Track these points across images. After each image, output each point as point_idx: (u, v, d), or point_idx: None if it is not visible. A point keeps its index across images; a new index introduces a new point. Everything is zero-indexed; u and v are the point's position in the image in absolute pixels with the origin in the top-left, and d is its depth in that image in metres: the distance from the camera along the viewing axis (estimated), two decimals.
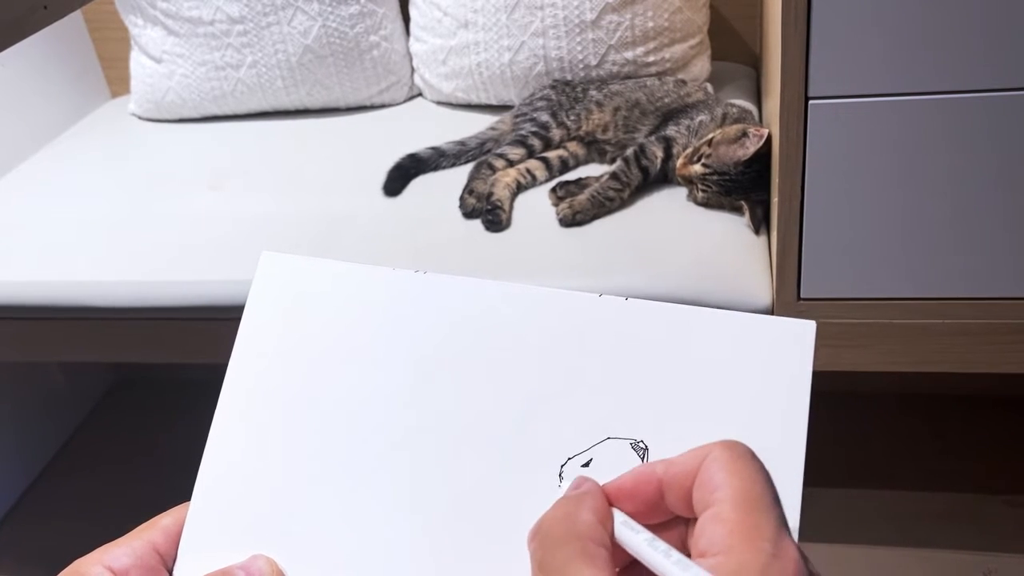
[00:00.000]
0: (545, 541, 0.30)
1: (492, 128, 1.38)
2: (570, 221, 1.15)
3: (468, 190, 1.23)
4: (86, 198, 1.37)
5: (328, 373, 0.40)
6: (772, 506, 0.29)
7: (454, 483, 0.37)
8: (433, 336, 0.39)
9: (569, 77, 1.38)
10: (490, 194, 1.19)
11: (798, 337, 0.36)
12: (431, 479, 0.37)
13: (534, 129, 1.30)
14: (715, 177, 1.12)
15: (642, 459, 0.36)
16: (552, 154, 1.29)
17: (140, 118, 1.63)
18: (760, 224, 1.11)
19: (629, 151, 1.20)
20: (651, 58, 1.36)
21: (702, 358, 0.37)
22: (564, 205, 1.16)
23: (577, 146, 1.31)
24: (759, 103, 1.38)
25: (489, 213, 1.17)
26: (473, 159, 1.32)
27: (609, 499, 0.32)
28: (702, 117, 1.23)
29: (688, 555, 0.29)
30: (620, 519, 0.31)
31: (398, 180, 1.28)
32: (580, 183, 1.21)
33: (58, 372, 1.72)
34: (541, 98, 1.34)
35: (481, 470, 0.37)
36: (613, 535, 0.31)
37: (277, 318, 0.41)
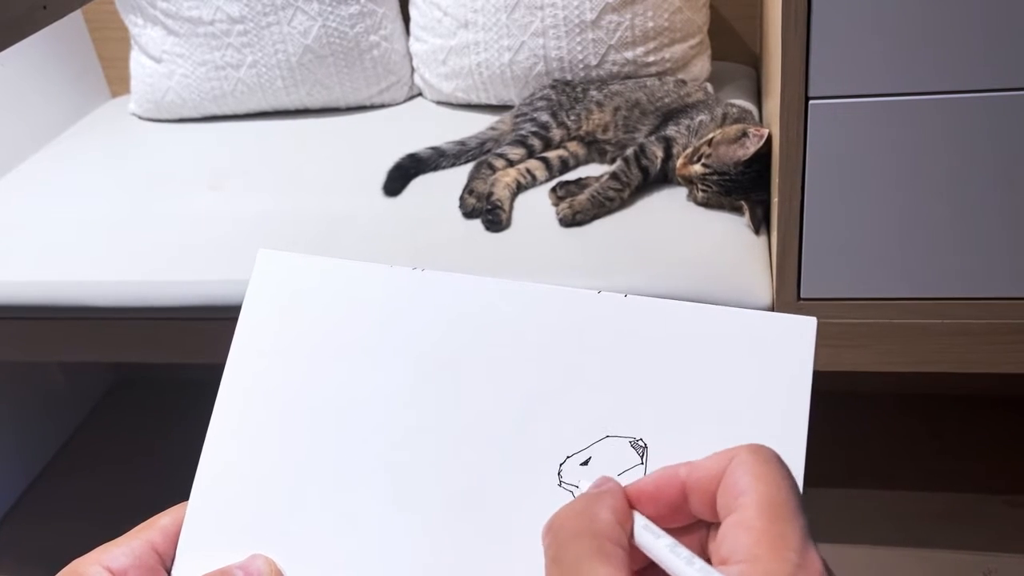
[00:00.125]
0: (559, 535, 0.30)
1: (492, 128, 1.38)
2: (570, 221, 1.15)
3: (468, 190, 1.23)
4: (86, 198, 1.37)
5: (326, 371, 0.40)
6: (797, 514, 0.28)
7: (452, 481, 0.37)
8: (431, 333, 0.39)
9: (569, 77, 1.38)
10: (490, 194, 1.19)
11: (799, 333, 0.36)
12: (429, 477, 0.37)
13: (534, 129, 1.30)
14: (715, 177, 1.12)
15: (641, 457, 0.36)
16: (552, 154, 1.29)
17: (140, 118, 1.63)
18: (760, 224, 1.11)
19: (629, 151, 1.20)
20: (651, 58, 1.36)
21: (702, 355, 0.37)
22: (564, 205, 1.16)
23: (577, 146, 1.31)
24: (759, 103, 1.38)
25: (489, 213, 1.17)
26: (473, 159, 1.32)
27: (631, 501, 0.31)
28: (702, 117, 1.23)
29: (708, 559, 0.29)
30: (641, 522, 0.30)
31: (398, 180, 1.28)
32: (580, 183, 1.21)
33: (58, 372, 1.72)
34: (541, 98, 1.34)
35: (479, 468, 0.37)
36: (632, 537, 0.30)
37: (275, 316, 0.41)
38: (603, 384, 0.37)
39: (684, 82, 1.35)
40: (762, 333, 0.36)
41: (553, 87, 1.36)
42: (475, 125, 1.40)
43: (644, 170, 1.19)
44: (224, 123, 1.57)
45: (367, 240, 1.18)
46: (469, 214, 1.20)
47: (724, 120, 1.21)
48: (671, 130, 1.23)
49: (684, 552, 0.29)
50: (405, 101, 1.59)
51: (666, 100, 1.29)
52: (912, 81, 0.88)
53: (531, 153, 1.28)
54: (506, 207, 1.18)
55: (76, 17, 1.71)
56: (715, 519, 0.30)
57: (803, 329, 0.36)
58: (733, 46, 1.56)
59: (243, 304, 0.41)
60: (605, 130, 1.29)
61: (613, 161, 1.26)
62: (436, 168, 1.32)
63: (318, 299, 0.41)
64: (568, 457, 0.36)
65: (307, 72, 1.50)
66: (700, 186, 1.14)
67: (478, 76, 1.43)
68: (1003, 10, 0.84)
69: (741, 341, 0.36)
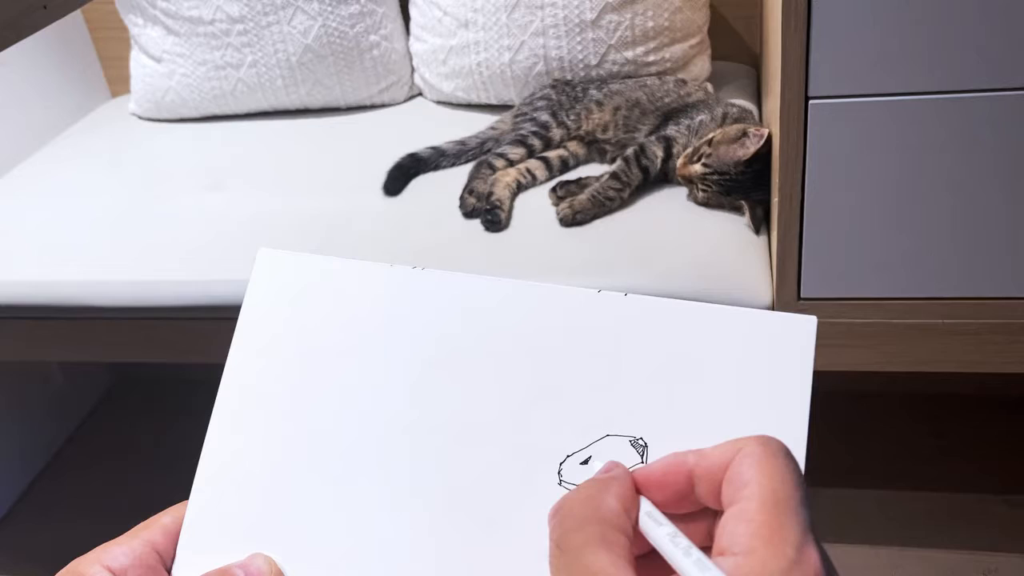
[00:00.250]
0: (565, 520, 0.30)
1: (492, 128, 1.38)
2: (570, 221, 1.15)
3: (468, 190, 1.23)
4: (86, 198, 1.37)
5: (326, 369, 0.40)
6: (800, 508, 0.28)
7: (452, 480, 0.37)
8: (431, 332, 0.39)
9: (569, 77, 1.38)
10: (490, 194, 1.19)
11: (799, 332, 0.36)
12: (430, 476, 0.37)
13: (534, 129, 1.29)
14: (715, 177, 1.12)
15: (641, 457, 0.36)
16: (552, 154, 1.29)
17: (140, 118, 1.63)
18: (760, 224, 1.11)
19: (629, 151, 1.20)
20: (651, 58, 1.36)
21: (702, 354, 0.36)
22: (564, 205, 1.16)
23: (577, 146, 1.31)
24: (759, 103, 1.38)
25: (489, 213, 1.17)
26: (473, 159, 1.32)
27: (637, 487, 0.31)
28: (702, 117, 1.23)
29: (712, 547, 0.29)
30: (645, 508, 0.31)
31: (398, 180, 1.28)
32: (580, 183, 1.21)
33: (58, 372, 1.72)
34: (541, 98, 1.34)
35: (480, 467, 0.37)
36: (637, 523, 0.30)
37: (275, 315, 0.41)
38: (603, 383, 0.37)
39: (684, 82, 1.35)
40: (762, 332, 0.36)
41: (553, 87, 1.36)
42: (475, 125, 1.40)
43: (644, 170, 1.19)
44: (224, 123, 1.57)
45: (367, 239, 1.18)
46: (469, 214, 1.20)
47: (724, 120, 1.21)
48: (671, 130, 1.23)
49: (683, 542, 0.29)
50: (405, 101, 1.59)
51: (666, 100, 1.29)
52: (912, 81, 0.88)
53: (531, 153, 1.28)
54: (506, 207, 1.18)
55: (76, 17, 1.71)
56: (721, 508, 0.30)
57: (804, 328, 0.36)
58: (733, 46, 1.56)
59: (243, 303, 0.41)
60: (605, 130, 1.29)
61: (613, 161, 1.26)
62: (436, 168, 1.32)
63: (318, 298, 0.41)
64: (568, 456, 0.36)
65: (307, 72, 1.50)
66: (700, 186, 1.14)
67: (478, 76, 1.43)
68: (1003, 10, 0.84)
69: (741, 340, 0.36)
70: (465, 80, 1.45)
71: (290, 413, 0.39)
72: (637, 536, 0.30)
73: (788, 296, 1.01)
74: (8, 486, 1.60)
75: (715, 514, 0.31)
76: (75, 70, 1.71)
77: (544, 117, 1.30)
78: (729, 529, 0.28)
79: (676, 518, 0.30)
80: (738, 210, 1.13)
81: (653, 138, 1.22)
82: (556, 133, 1.30)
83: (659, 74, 1.37)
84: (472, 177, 1.25)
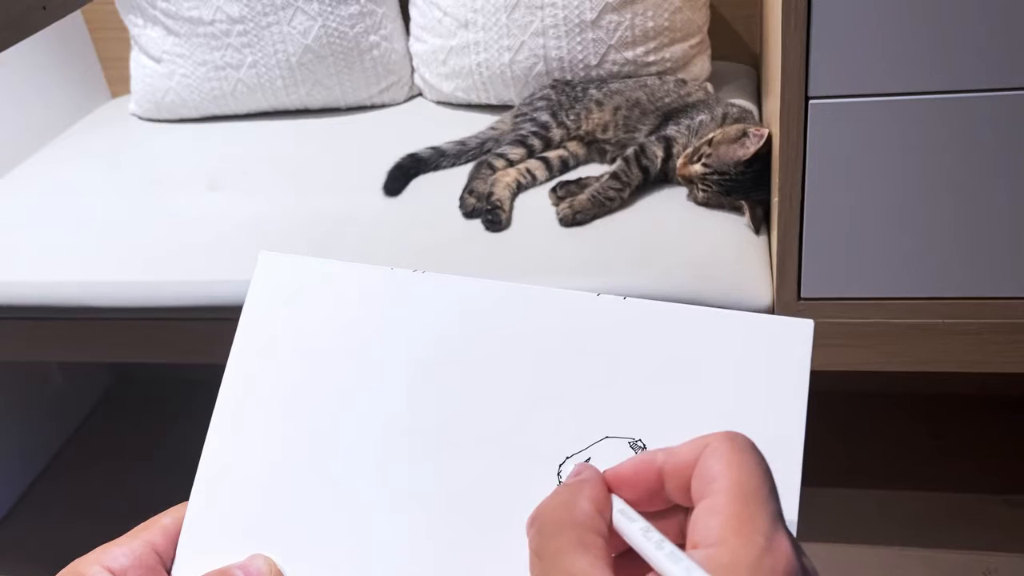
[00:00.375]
0: (543, 528, 0.30)
1: (492, 128, 1.38)
2: (570, 221, 1.15)
3: (468, 190, 1.23)
4: (86, 198, 1.37)
5: (326, 372, 0.40)
6: (768, 499, 0.29)
7: (452, 482, 0.37)
8: (431, 335, 0.39)
9: (569, 77, 1.38)
10: (490, 194, 1.19)
11: (796, 336, 0.36)
12: (429, 478, 0.37)
13: (534, 129, 1.30)
14: (715, 177, 1.12)
15: None
16: (552, 154, 1.29)
17: (140, 118, 1.63)
18: (760, 224, 1.11)
19: (629, 151, 1.20)
20: (651, 58, 1.36)
21: (700, 357, 0.37)
22: (564, 205, 1.16)
23: (577, 146, 1.31)
24: (759, 103, 1.38)
25: (489, 213, 1.17)
26: (473, 159, 1.32)
27: (609, 486, 0.32)
28: (702, 117, 1.23)
29: (685, 544, 0.29)
30: (618, 506, 0.31)
31: (398, 180, 1.28)
32: (580, 183, 1.21)
33: (58, 372, 1.72)
34: (541, 98, 1.34)
35: (479, 470, 0.37)
36: (611, 522, 0.31)
37: (275, 317, 0.41)
38: (602, 385, 0.37)
39: (684, 82, 1.35)
40: (760, 335, 0.37)
41: (553, 87, 1.36)
42: (475, 125, 1.40)
43: (644, 170, 1.19)
44: (224, 123, 1.57)
45: (367, 240, 1.18)
46: (469, 214, 1.20)
47: (724, 120, 1.21)
48: (671, 130, 1.23)
49: (656, 536, 0.29)
50: (405, 101, 1.59)
51: (666, 100, 1.29)
52: (912, 81, 0.88)
53: (531, 153, 1.28)
54: (506, 207, 1.18)
55: (76, 17, 1.72)
56: (691, 504, 0.30)
57: (800, 331, 0.36)
58: (733, 46, 1.56)
59: (244, 306, 0.41)
60: (605, 130, 1.29)
61: (613, 161, 1.27)
62: (436, 168, 1.32)
63: (319, 301, 0.41)
64: (567, 458, 0.36)
65: (307, 72, 1.50)
66: (700, 186, 1.14)
67: (478, 76, 1.43)
68: (1002, 10, 0.84)
69: (739, 343, 0.37)
70: (465, 80, 1.45)
71: (290, 415, 0.39)
72: (613, 536, 0.31)
73: (788, 296, 1.01)
74: (8, 486, 1.60)
75: (686, 512, 0.31)
76: (75, 70, 1.71)
77: (544, 117, 1.30)
78: (700, 523, 0.29)
79: (649, 516, 0.31)
80: (738, 210, 1.13)
81: (653, 138, 1.22)
82: (556, 133, 1.30)
83: (659, 74, 1.37)
84: (472, 177, 1.25)
